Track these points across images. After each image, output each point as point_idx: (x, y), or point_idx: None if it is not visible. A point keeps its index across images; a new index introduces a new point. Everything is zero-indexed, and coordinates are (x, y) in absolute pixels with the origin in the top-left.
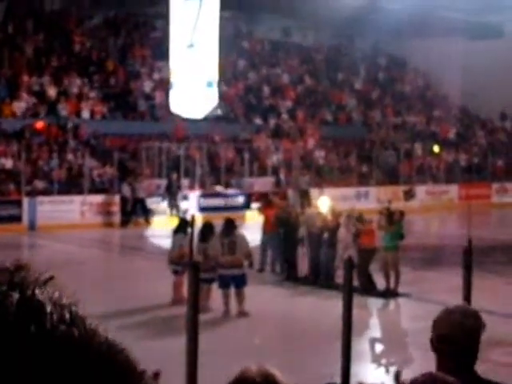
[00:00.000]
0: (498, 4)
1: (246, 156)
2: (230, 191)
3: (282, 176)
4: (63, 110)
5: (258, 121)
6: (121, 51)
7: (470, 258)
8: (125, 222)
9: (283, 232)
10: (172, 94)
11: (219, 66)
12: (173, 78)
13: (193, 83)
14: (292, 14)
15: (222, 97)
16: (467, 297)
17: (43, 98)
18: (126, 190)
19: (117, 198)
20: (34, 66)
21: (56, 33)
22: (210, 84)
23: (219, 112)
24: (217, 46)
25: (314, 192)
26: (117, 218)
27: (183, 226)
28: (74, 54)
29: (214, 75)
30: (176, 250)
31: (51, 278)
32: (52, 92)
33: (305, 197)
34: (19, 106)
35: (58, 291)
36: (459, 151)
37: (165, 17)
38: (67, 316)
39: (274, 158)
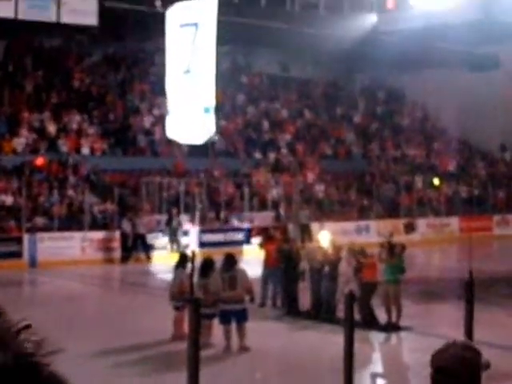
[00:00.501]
0: (495, 35)
1: (246, 191)
2: (230, 226)
3: (282, 210)
4: (63, 146)
5: (258, 155)
6: (120, 87)
7: (472, 291)
8: (125, 258)
9: (284, 266)
10: (168, 120)
11: (216, 93)
12: (169, 104)
13: (189, 109)
14: (290, 48)
15: (221, 127)
16: (469, 330)
17: (43, 135)
18: (127, 225)
19: (117, 234)
20: (33, 103)
21: (56, 70)
22: (207, 110)
23: (216, 138)
24: (214, 71)
25: (314, 226)
26: (117, 254)
27: (183, 261)
28: (74, 91)
29: (211, 101)
30: (176, 286)
31: (28, 326)
32: (52, 128)
33: (305, 231)
34: (19, 143)
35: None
36: (459, 183)
37: (164, 51)
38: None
39: (274, 193)
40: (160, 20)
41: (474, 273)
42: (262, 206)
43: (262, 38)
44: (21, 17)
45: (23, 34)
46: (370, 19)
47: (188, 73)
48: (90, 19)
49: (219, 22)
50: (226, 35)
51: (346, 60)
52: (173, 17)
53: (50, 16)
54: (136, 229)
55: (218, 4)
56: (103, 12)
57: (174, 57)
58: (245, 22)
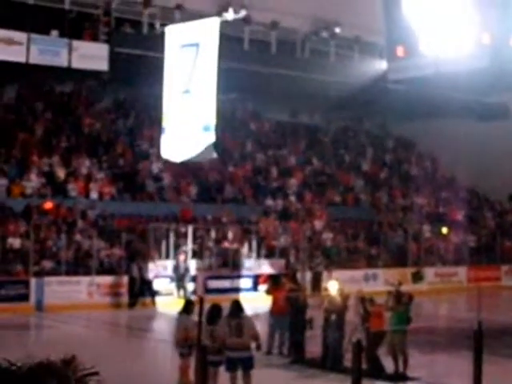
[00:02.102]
0: (504, 84)
1: (254, 237)
2: (237, 273)
3: (292, 258)
4: (72, 190)
5: (266, 202)
6: (130, 132)
7: (480, 342)
8: (132, 304)
9: (291, 314)
10: (163, 139)
11: (217, 111)
12: (165, 124)
13: (188, 128)
14: (300, 95)
15: (219, 141)
16: (478, 381)
17: (52, 179)
18: (136, 270)
19: (124, 279)
20: (43, 147)
21: (66, 114)
22: (206, 128)
23: (215, 155)
24: (215, 90)
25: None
26: (124, 299)
27: (189, 307)
28: (84, 135)
29: (212, 119)
30: (182, 333)
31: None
32: (61, 173)
33: (317, 279)
34: (28, 186)
35: None
36: (468, 233)
37: None
38: None
39: (282, 240)
40: None
41: (482, 323)
42: (270, 253)
43: (271, 85)
44: (32, 61)
45: (34, 78)
46: (380, 67)
47: (187, 93)
48: (101, 64)
49: (228, 70)
50: (235, 82)
51: (356, 107)
52: (173, 38)
53: (61, 61)
54: (143, 274)
55: (219, 26)
56: (114, 57)
57: (174, 77)
58: (254, 69)
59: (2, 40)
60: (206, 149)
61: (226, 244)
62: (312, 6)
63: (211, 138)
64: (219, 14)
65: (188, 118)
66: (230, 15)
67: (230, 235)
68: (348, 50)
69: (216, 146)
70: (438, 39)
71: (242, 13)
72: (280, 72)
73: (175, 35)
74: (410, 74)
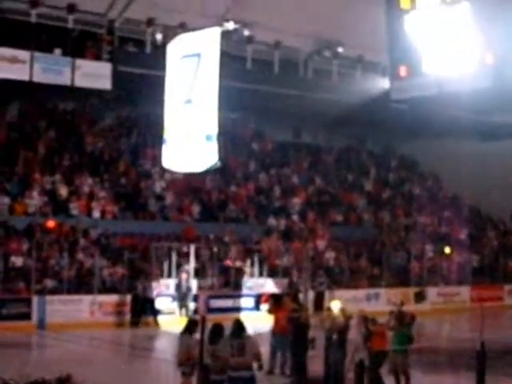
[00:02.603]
0: (507, 104)
1: (256, 257)
2: (240, 292)
3: (295, 277)
4: (74, 208)
5: (268, 222)
6: (132, 151)
7: (484, 362)
8: (135, 322)
9: (293, 334)
10: (164, 149)
11: (219, 120)
12: (166, 135)
13: (189, 138)
14: (303, 115)
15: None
16: None
17: (55, 197)
18: (140, 289)
19: (126, 298)
20: (46, 165)
21: (68, 132)
22: (209, 137)
23: (218, 165)
24: (216, 99)
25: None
26: (126, 318)
27: (191, 326)
28: (86, 154)
29: (214, 129)
30: (184, 352)
31: None
32: (63, 191)
33: (320, 298)
34: (31, 204)
35: None
36: (470, 252)
37: None
38: None
39: (284, 259)
40: None
41: (485, 343)
42: (272, 272)
43: (274, 105)
44: (35, 79)
45: (37, 96)
46: (383, 86)
47: (189, 103)
48: (104, 83)
49: (231, 89)
50: (237, 101)
51: (358, 127)
52: (174, 48)
53: (64, 79)
54: (145, 293)
55: (220, 37)
56: (117, 76)
57: (175, 88)
58: (257, 89)
59: (6, 58)
60: (208, 158)
61: (228, 263)
62: (315, 25)
63: (214, 147)
64: (220, 24)
65: (190, 128)
66: (230, 25)
67: (233, 254)
68: (351, 70)
69: (218, 155)
70: (441, 59)
71: (245, 32)
72: (283, 91)
73: (176, 46)
74: (413, 94)
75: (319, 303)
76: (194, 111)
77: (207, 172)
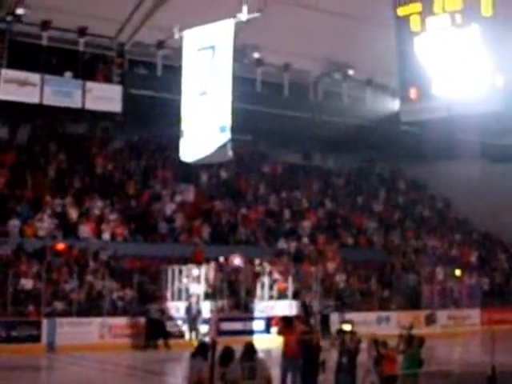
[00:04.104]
0: None
1: (266, 280)
2: (250, 315)
3: (306, 300)
4: (84, 231)
5: (279, 244)
6: (142, 173)
7: None
8: (145, 345)
9: (304, 357)
10: (182, 142)
11: (232, 111)
12: (183, 127)
13: (205, 129)
14: (313, 137)
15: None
16: None
17: (65, 220)
18: (153, 312)
19: (136, 321)
20: (56, 188)
21: (79, 155)
22: (223, 129)
23: (231, 155)
24: (230, 91)
25: (334, 316)
26: (136, 341)
27: (202, 349)
28: (97, 176)
29: (228, 120)
30: (195, 375)
31: None
32: (73, 213)
33: (325, 322)
34: (41, 227)
35: None
36: (481, 275)
37: None
38: None
39: (294, 282)
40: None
41: (496, 367)
42: (282, 295)
43: (283, 127)
44: (46, 102)
45: (47, 118)
46: (393, 108)
47: (204, 94)
48: (115, 106)
49: (241, 111)
50: (247, 124)
51: (368, 149)
52: (190, 42)
53: (74, 102)
54: (156, 315)
55: (234, 29)
56: (127, 99)
57: (191, 80)
58: (267, 111)
59: (16, 81)
60: (222, 149)
61: (238, 286)
62: (324, 47)
63: (227, 138)
64: (233, 15)
65: (205, 120)
66: (244, 16)
67: (243, 277)
68: (360, 92)
69: (232, 146)
70: (451, 82)
71: (255, 54)
72: (292, 114)
73: (192, 39)
74: (423, 117)
75: (325, 327)
76: (209, 103)
77: (221, 165)
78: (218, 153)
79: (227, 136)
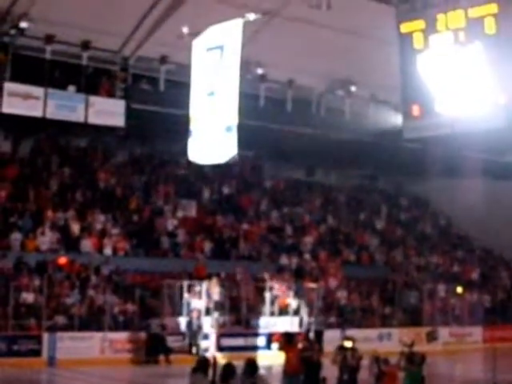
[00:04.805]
0: None
1: (268, 295)
2: (251, 331)
3: (306, 316)
4: (86, 245)
5: (280, 260)
6: (145, 188)
7: None
8: (146, 360)
9: (305, 374)
10: (190, 142)
11: (239, 110)
12: (192, 127)
13: (212, 129)
14: (315, 153)
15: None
16: None
17: (67, 234)
18: (154, 327)
19: (138, 335)
20: (58, 201)
21: (81, 169)
22: (229, 128)
23: (237, 157)
24: (237, 91)
25: (335, 332)
26: (137, 356)
27: (203, 365)
28: (99, 191)
29: (234, 120)
30: None
31: None
32: (75, 227)
33: (319, 338)
34: (43, 241)
35: None
36: (483, 292)
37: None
38: None
39: (296, 298)
40: (187, 123)
41: None
42: (283, 311)
43: (286, 143)
44: (49, 116)
45: (50, 132)
46: (395, 124)
47: (212, 95)
48: (118, 120)
49: (244, 127)
50: (250, 139)
51: (370, 165)
52: (199, 42)
53: (77, 116)
54: (157, 330)
55: (242, 32)
56: (130, 113)
57: (200, 80)
58: (270, 127)
59: (19, 94)
60: (227, 149)
61: (240, 301)
62: (328, 64)
63: (233, 138)
64: (242, 15)
65: (212, 120)
66: (252, 16)
67: (244, 292)
68: (363, 108)
69: (238, 146)
70: (453, 99)
71: (258, 70)
72: (295, 130)
73: (201, 39)
74: (426, 134)
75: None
76: (217, 103)
77: (227, 165)
78: (224, 153)
79: (234, 136)
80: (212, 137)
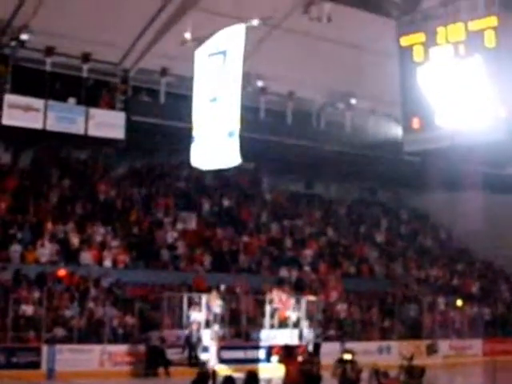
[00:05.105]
0: None
1: (267, 308)
2: (251, 343)
3: (305, 329)
4: (86, 258)
5: (280, 272)
6: (145, 201)
7: None
8: (145, 373)
9: None
10: (193, 148)
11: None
12: (194, 133)
13: (214, 135)
14: (315, 166)
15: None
16: None
17: (66, 246)
18: (154, 339)
19: (137, 348)
20: (58, 214)
21: (81, 181)
22: (231, 134)
23: (239, 161)
24: (239, 96)
25: (335, 345)
26: (136, 369)
27: (203, 378)
28: (99, 203)
29: (236, 125)
30: None
31: None
32: (75, 240)
33: (316, 351)
34: (42, 253)
35: None
36: (483, 305)
37: (190, 167)
38: None
39: (296, 311)
40: (188, 136)
41: None
42: (283, 323)
43: (286, 156)
44: (49, 128)
45: (50, 144)
46: (396, 136)
47: (214, 101)
48: (118, 133)
49: (244, 139)
50: (250, 152)
51: (370, 178)
52: (201, 48)
53: (77, 128)
54: (157, 343)
55: (245, 36)
56: (130, 126)
57: (202, 86)
58: (270, 140)
59: (20, 106)
60: (230, 155)
61: (239, 314)
62: (328, 76)
63: (235, 143)
64: (245, 20)
65: (214, 126)
66: (255, 21)
67: (244, 305)
68: (363, 121)
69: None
70: (454, 112)
71: (258, 83)
72: (295, 142)
73: (203, 45)
74: (426, 146)
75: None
76: (219, 109)
77: (228, 171)
78: (226, 159)
79: (236, 141)
80: (215, 142)
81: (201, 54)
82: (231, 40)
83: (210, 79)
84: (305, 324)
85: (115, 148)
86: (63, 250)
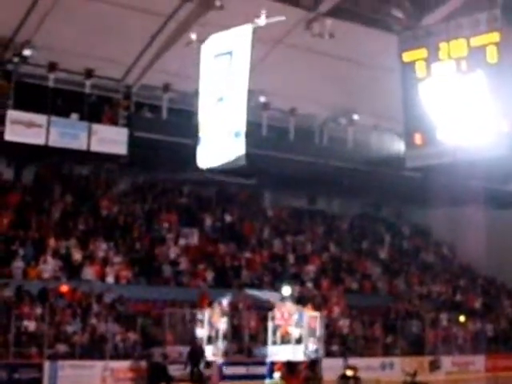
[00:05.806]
0: None
1: (270, 324)
2: (253, 359)
3: (309, 345)
4: (88, 274)
5: (283, 288)
6: (147, 216)
7: None
8: None
9: None
10: (199, 149)
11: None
12: (201, 133)
13: (221, 135)
14: (318, 182)
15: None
16: None
17: (69, 262)
18: (157, 356)
19: (139, 364)
20: (60, 229)
21: (84, 197)
22: (237, 134)
23: (244, 162)
24: (246, 97)
25: (337, 361)
26: None
27: None
28: (101, 219)
29: (242, 125)
30: None
31: None
32: (78, 256)
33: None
34: (45, 269)
35: None
36: (485, 321)
37: (192, 182)
38: None
39: (298, 327)
40: (190, 152)
41: None
42: (286, 339)
43: (289, 171)
44: (52, 144)
45: (53, 160)
46: (398, 152)
47: (221, 101)
48: (120, 148)
49: (247, 155)
50: (253, 168)
51: (373, 194)
52: (208, 49)
53: (80, 144)
54: (158, 359)
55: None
56: (133, 142)
57: (208, 87)
58: (273, 155)
59: (23, 122)
60: (236, 155)
61: (242, 330)
62: (330, 93)
63: (242, 143)
64: (252, 21)
65: (221, 126)
66: (262, 21)
67: (246, 321)
68: (365, 137)
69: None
70: (456, 127)
71: (261, 98)
72: (298, 158)
73: (210, 46)
74: (428, 162)
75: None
76: (226, 109)
77: (234, 170)
78: (233, 159)
79: (241, 141)
80: (221, 142)
81: (207, 55)
82: (237, 40)
83: (216, 80)
84: (309, 340)
85: (118, 164)
86: (65, 266)
